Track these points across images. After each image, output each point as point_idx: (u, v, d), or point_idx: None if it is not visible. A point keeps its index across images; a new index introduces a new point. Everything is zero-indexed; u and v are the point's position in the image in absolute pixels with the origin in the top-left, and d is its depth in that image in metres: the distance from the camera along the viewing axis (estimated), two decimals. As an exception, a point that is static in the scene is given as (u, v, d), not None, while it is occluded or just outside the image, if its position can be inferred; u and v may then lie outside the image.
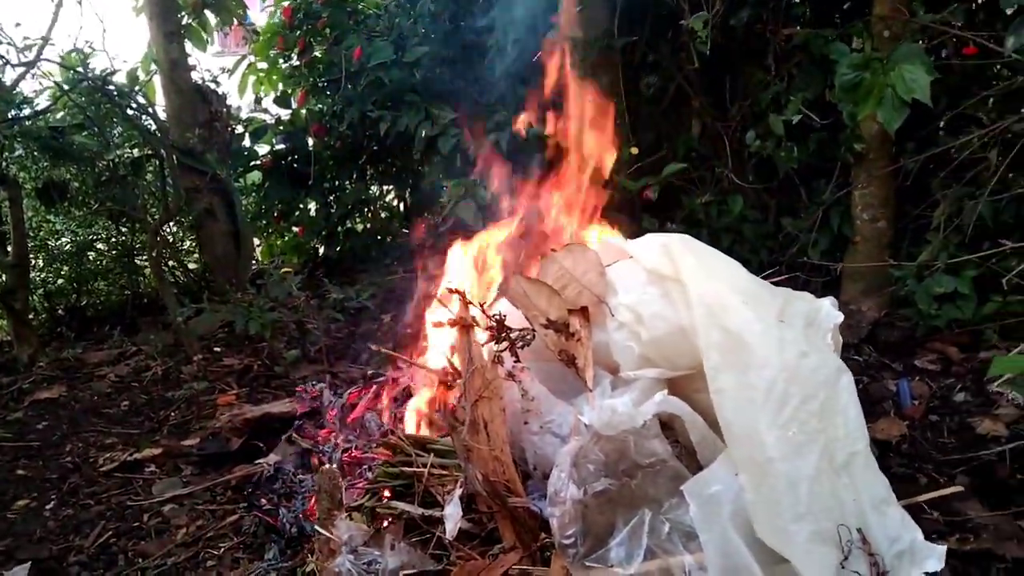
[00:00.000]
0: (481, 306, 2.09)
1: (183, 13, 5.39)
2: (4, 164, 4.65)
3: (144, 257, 5.56)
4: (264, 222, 6.27)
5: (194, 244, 5.96)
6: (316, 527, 2.12)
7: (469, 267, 2.80)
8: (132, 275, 5.67)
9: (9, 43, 4.54)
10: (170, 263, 5.69)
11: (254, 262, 6.01)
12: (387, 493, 2.20)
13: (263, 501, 2.60)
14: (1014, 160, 3.22)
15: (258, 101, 6.10)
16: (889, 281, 3.60)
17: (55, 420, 3.68)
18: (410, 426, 2.56)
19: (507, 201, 3.36)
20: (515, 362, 2.01)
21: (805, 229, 3.97)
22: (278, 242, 6.46)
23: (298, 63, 5.76)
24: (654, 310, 1.96)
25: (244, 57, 6.03)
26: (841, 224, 3.83)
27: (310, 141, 5.85)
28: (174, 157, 5.04)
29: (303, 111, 5.86)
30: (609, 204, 3.24)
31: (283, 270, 5.04)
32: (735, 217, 4.18)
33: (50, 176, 5.06)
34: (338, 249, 6.09)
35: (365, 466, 2.52)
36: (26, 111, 4.65)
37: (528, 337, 2.01)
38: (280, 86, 6.08)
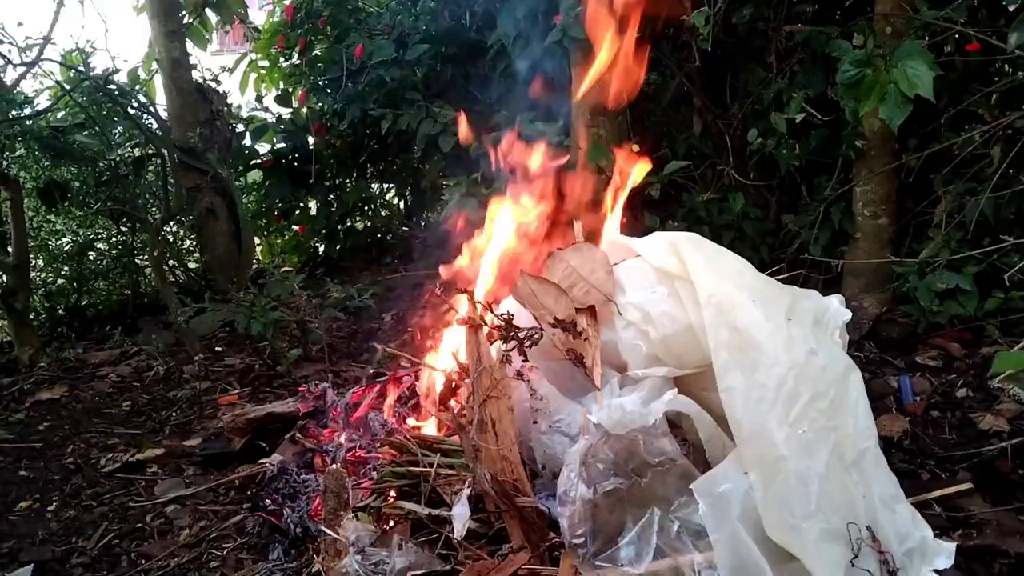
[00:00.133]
0: (489, 306, 2.08)
1: (184, 12, 5.38)
2: (5, 164, 4.63)
3: (145, 257, 5.54)
4: (264, 221, 6.26)
5: (194, 244, 5.95)
6: (322, 527, 2.11)
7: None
8: (133, 275, 5.65)
9: (11, 43, 4.52)
10: (171, 263, 5.68)
11: (255, 261, 6.00)
12: (393, 493, 2.20)
13: (267, 501, 2.60)
14: (1016, 156, 3.23)
15: (259, 100, 6.09)
16: (890, 277, 3.60)
17: (57, 421, 3.67)
18: (416, 425, 2.55)
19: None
20: (523, 361, 2.00)
21: (806, 226, 3.97)
22: (278, 241, 6.46)
23: (299, 61, 5.76)
24: (662, 309, 1.96)
25: (245, 55, 6.02)
26: (842, 221, 3.82)
27: (311, 140, 5.84)
28: (175, 156, 5.03)
29: (304, 110, 5.86)
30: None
31: (283, 269, 5.05)
32: (736, 214, 4.18)
33: (51, 176, 5.04)
34: (338, 248, 6.09)
35: (370, 466, 2.52)
36: (27, 111, 4.63)
37: (536, 336, 2.01)
38: (281, 84, 6.08)
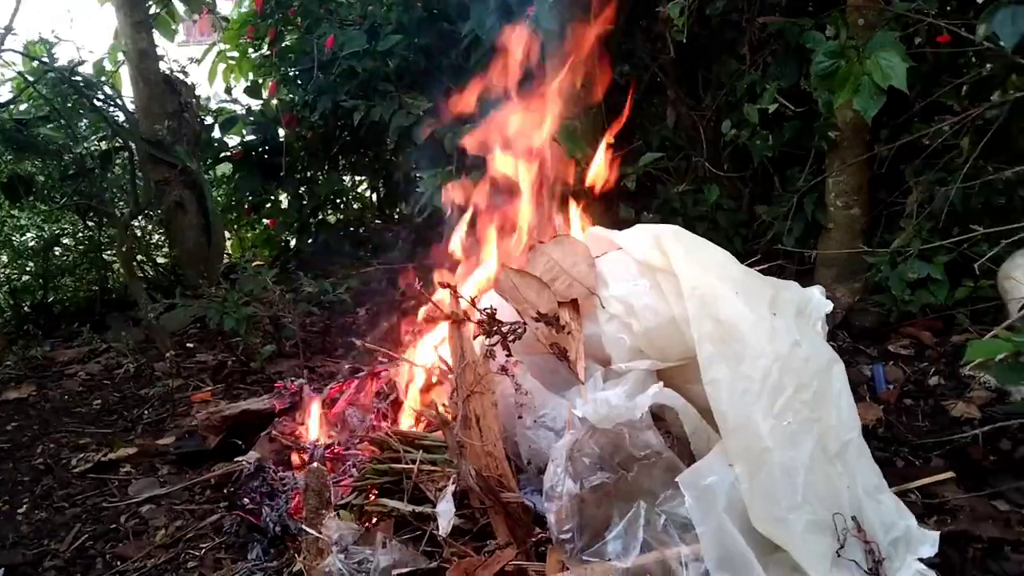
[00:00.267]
0: (472, 301, 2.07)
1: (151, 2, 5.27)
2: (-34, 158, 4.53)
3: (112, 252, 5.44)
4: (234, 215, 6.17)
5: (163, 238, 5.85)
6: (304, 526, 2.09)
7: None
8: (100, 270, 5.54)
9: (-31, 33, 4.41)
10: (139, 257, 5.58)
11: (225, 256, 5.92)
12: (374, 491, 2.18)
13: (245, 500, 2.56)
14: (985, 147, 3.28)
15: (228, 91, 5.99)
16: (863, 267, 3.65)
17: (25, 420, 3.59)
18: (397, 421, 2.53)
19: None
20: (507, 356, 1.99)
21: (779, 217, 4.00)
22: (249, 235, 6.37)
23: (269, 52, 5.67)
24: (645, 302, 1.96)
25: (213, 45, 5.91)
26: (815, 211, 3.85)
27: (281, 132, 5.74)
28: (143, 149, 4.93)
29: (274, 101, 5.76)
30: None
31: (254, 263, 4.99)
32: (710, 206, 4.20)
33: (15, 170, 4.92)
34: (310, 241, 6.02)
35: (349, 463, 2.49)
36: (-11, 103, 4.53)
37: (519, 330, 2.00)
38: (250, 75, 5.98)
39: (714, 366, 1.73)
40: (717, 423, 1.71)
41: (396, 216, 6.17)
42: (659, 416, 1.87)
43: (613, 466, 1.70)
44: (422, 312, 2.22)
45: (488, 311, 1.98)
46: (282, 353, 4.10)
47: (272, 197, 6.07)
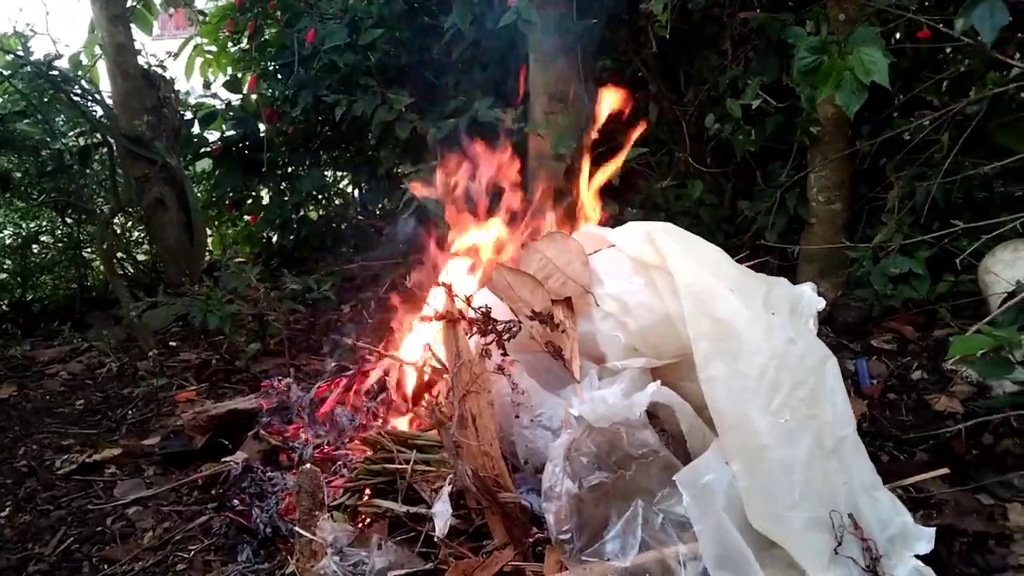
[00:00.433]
0: (468, 299, 2.06)
1: (129, -5, 5.20)
2: (-60, 155, 4.45)
3: (92, 250, 5.37)
4: (215, 211, 6.10)
5: (143, 235, 5.78)
6: (297, 528, 2.08)
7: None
8: (80, 268, 5.48)
9: (-58, 27, 4.32)
10: (119, 255, 5.51)
11: (206, 253, 5.86)
12: (367, 491, 2.17)
13: (235, 501, 2.54)
14: (965, 143, 3.32)
15: (207, 86, 5.91)
16: (845, 262, 3.67)
17: (6, 422, 3.54)
18: (389, 421, 2.52)
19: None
20: (503, 355, 1.99)
21: (762, 212, 4.02)
22: (230, 231, 6.30)
23: (248, 46, 5.59)
24: (640, 299, 1.96)
25: (190, 39, 5.83)
26: (797, 207, 3.87)
27: (262, 127, 5.68)
28: (122, 145, 4.87)
29: (254, 96, 5.69)
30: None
31: (237, 260, 4.94)
32: (693, 201, 4.21)
33: (-9, 166, 4.86)
34: (292, 238, 5.96)
35: (339, 463, 2.48)
36: (-38, 99, 4.45)
37: (514, 329, 1.99)
38: (230, 70, 5.91)
39: (711, 363, 1.73)
40: (714, 421, 1.71)
41: (379, 212, 6.13)
42: (653, 414, 1.88)
43: (610, 465, 1.70)
44: (424, 311, 2.20)
45: (483, 310, 1.97)
46: (267, 351, 4.07)
47: (253, 193, 6.00)
